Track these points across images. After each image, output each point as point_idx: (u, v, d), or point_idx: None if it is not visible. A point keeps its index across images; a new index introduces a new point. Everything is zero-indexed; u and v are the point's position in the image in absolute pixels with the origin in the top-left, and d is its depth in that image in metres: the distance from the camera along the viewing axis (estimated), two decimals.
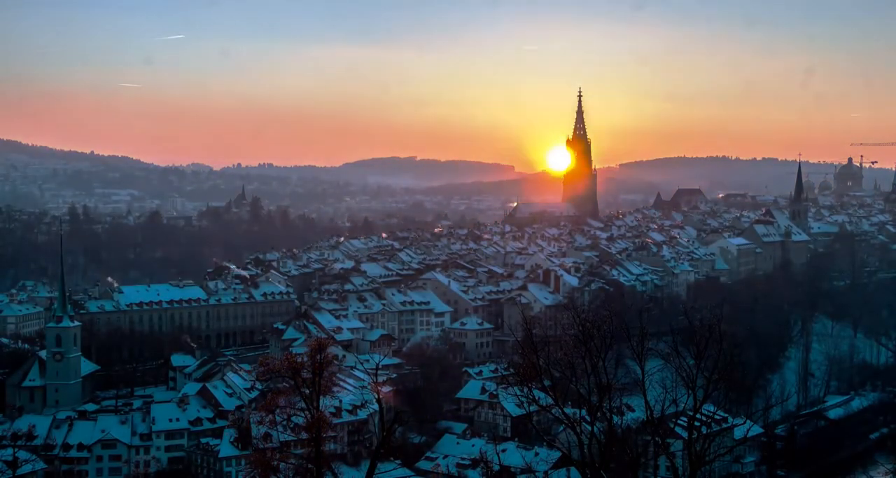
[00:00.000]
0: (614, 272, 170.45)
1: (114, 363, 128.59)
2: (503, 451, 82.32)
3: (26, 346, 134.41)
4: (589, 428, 35.64)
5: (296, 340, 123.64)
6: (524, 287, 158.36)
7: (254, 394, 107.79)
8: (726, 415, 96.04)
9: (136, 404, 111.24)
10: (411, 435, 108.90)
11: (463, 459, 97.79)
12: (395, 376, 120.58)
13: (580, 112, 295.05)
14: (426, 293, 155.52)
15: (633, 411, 75.16)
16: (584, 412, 36.93)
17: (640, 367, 36.32)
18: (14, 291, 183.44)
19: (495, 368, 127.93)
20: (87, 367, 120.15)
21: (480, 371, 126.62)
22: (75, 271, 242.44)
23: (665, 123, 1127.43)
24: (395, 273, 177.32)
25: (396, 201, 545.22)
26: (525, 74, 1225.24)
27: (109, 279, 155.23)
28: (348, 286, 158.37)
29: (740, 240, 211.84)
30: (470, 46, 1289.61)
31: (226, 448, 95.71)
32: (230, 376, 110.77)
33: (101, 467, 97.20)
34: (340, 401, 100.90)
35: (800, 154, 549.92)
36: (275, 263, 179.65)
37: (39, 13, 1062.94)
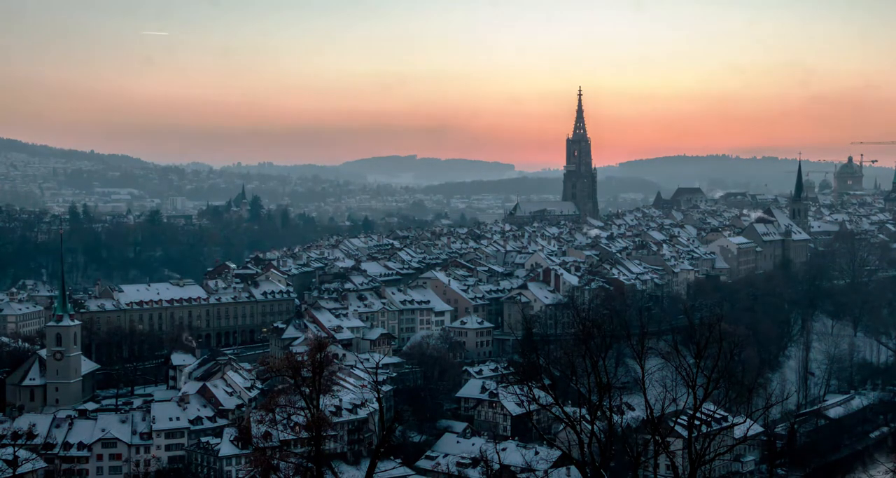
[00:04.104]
0: (614, 271, 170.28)
1: (114, 362, 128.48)
2: (503, 450, 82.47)
3: (26, 345, 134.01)
4: (589, 427, 35.65)
5: (296, 339, 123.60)
6: (524, 286, 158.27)
7: (254, 393, 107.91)
8: (726, 414, 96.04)
9: (137, 402, 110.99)
10: (411, 434, 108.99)
11: (463, 458, 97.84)
12: (395, 374, 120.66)
13: (580, 111, 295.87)
14: (426, 292, 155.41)
15: (633, 409, 75.41)
16: (584, 411, 36.95)
17: (641, 366, 36.34)
18: (14, 290, 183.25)
19: (495, 366, 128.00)
20: (88, 366, 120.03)
21: (480, 370, 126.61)
22: (75, 270, 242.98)
23: (665, 122, 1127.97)
24: (395, 272, 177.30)
25: (396, 200, 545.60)
26: (525, 73, 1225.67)
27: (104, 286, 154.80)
28: (348, 285, 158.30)
29: (740, 239, 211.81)
30: (470, 45, 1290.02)
31: (226, 447, 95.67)
32: (230, 374, 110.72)
33: (102, 466, 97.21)
34: (340, 400, 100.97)
35: (800, 153, 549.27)
36: (275, 262, 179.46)
37: (40, 13, 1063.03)
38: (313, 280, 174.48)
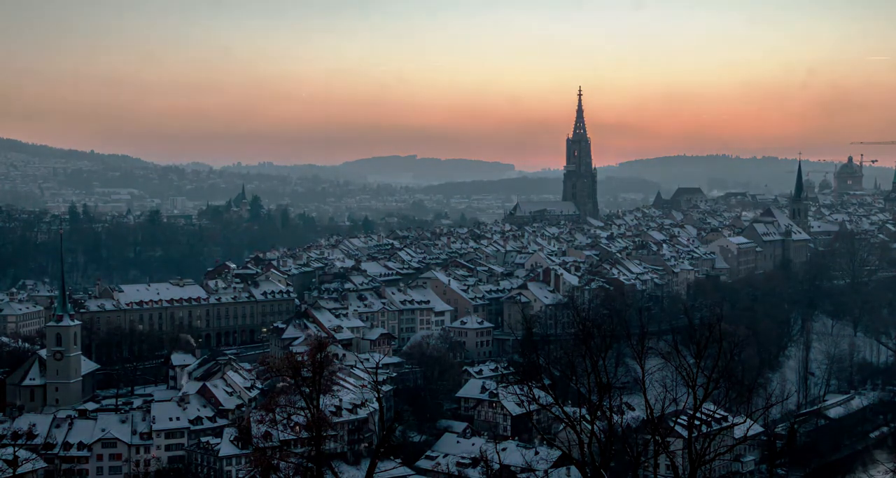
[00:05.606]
0: (614, 271, 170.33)
1: (114, 362, 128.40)
2: (503, 450, 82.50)
3: (26, 345, 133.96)
4: (589, 427, 35.65)
5: (296, 339, 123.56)
6: (524, 286, 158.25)
7: (254, 393, 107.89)
8: (726, 414, 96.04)
9: (137, 402, 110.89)
10: (411, 434, 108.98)
11: (463, 458, 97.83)
12: (395, 374, 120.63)
13: (580, 111, 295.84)
14: (426, 292, 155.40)
15: (633, 409, 75.41)
16: (584, 411, 36.95)
17: (641, 366, 36.34)
18: (14, 290, 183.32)
19: (495, 366, 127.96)
20: (88, 366, 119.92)
21: (480, 370, 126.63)
22: (75, 270, 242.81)
23: (665, 122, 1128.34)
24: (395, 272, 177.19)
25: (396, 200, 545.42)
26: (525, 73, 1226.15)
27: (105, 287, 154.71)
28: (348, 285, 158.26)
29: (740, 239, 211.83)
30: (470, 45, 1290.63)
31: (226, 447, 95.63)
32: (230, 374, 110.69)
33: (102, 466, 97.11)
34: (340, 400, 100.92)
35: (800, 153, 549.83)
36: (275, 262, 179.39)
37: (41, 13, 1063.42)
38: (313, 280, 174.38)
